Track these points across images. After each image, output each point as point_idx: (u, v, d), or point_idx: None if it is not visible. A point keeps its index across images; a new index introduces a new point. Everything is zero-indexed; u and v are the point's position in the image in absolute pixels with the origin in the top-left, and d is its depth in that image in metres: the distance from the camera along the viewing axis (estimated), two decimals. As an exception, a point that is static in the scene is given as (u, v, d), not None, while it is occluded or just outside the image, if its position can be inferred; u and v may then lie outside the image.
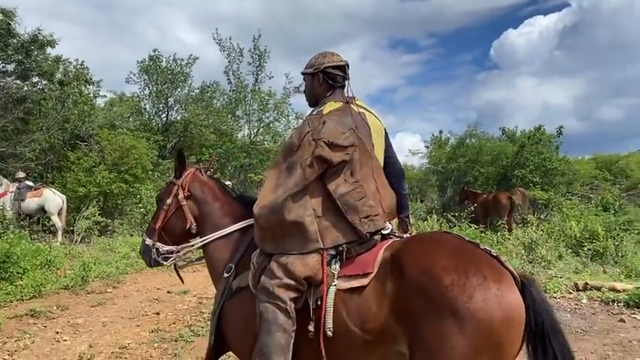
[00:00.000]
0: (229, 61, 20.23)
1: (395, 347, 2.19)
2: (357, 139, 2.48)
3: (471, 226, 10.84)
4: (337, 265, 2.35)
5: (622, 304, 6.40)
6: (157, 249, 2.94)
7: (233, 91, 20.55)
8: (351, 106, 2.63)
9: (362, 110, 2.65)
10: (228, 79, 20.51)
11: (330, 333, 2.23)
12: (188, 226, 2.90)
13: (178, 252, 2.96)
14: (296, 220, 2.34)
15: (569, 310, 6.26)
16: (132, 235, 13.07)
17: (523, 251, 9.86)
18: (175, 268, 3.14)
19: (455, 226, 11.42)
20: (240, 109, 20.59)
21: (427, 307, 2.01)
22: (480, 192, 14.54)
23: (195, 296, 7.99)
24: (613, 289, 6.96)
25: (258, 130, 20.69)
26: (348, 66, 2.72)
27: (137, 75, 20.57)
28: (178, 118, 21.31)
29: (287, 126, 21.12)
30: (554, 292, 7.06)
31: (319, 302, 2.32)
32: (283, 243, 2.39)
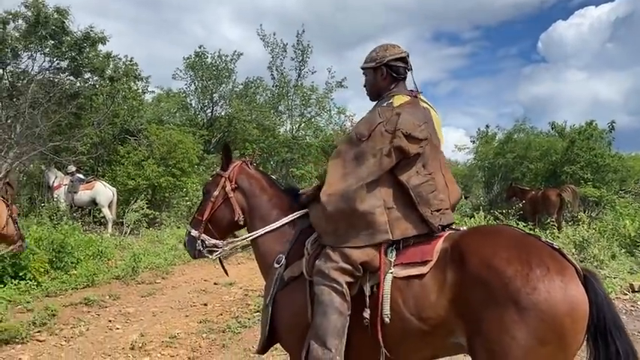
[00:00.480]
0: (273, 57, 20.39)
1: (452, 339, 2.18)
2: (429, 133, 2.49)
3: (519, 224, 10.55)
4: (394, 254, 2.34)
5: (682, 307, 6.12)
6: (203, 241, 2.93)
7: (276, 86, 20.69)
8: (419, 100, 2.61)
9: (425, 105, 2.62)
10: (272, 74, 20.68)
11: (387, 320, 2.23)
12: (236, 218, 2.90)
13: (225, 247, 2.96)
14: (369, 210, 2.32)
15: (624, 311, 6.02)
16: (179, 227, 13.38)
17: (574, 250, 9.54)
18: (220, 261, 3.14)
19: (502, 223, 11.15)
20: (283, 104, 20.72)
21: (489, 298, 1.99)
22: (528, 189, 14.13)
23: (241, 288, 8.10)
24: (672, 292, 6.66)
25: (300, 125, 20.76)
26: (408, 56, 2.68)
27: (183, 71, 21.02)
28: (223, 113, 21.65)
29: (329, 121, 21.15)
30: (609, 293, 6.79)
31: (375, 289, 2.33)
32: (347, 235, 2.36)
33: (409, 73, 2.70)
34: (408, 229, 2.35)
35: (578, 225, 11.43)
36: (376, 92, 2.72)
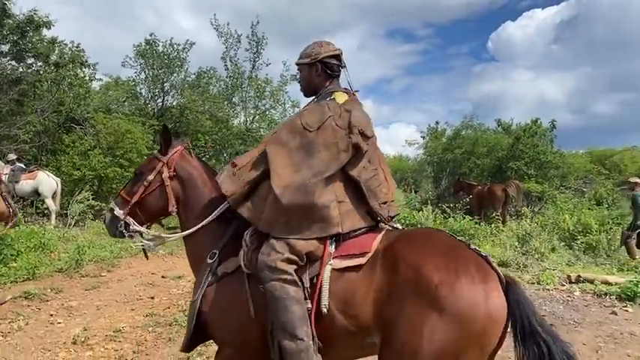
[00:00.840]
0: (226, 47, 20.04)
1: (369, 338, 2.25)
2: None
3: (465, 218, 10.88)
4: (334, 246, 2.39)
5: (614, 296, 6.46)
6: (127, 224, 2.77)
7: (230, 77, 20.38)
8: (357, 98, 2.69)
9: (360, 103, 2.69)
10: (225, 65, 20.34)
11: (325, 310, 2.27)
12: (170, 209, 2.78)
13: (150, 238, 2.84)
14: (325, 204, 2.36)
15: (562, 302, 6.31)
16: (126, 220, 13.05)
17: (517, 243, 9.93)
18: (144, 251, 2.98)
19: (449, 217, 11.46)
20: (237, 95, 20.44)
21: (414, 303, 2.05)
22: (475, 183, 14.58)
23: (189, 281, 7.98)
24: (605, 282, 7.03)
25: (254, 117, 20.56)
26: (342, 54, 2.74)
27: (133, 59, 20.35)
28: (174, 103, 21.17)
29: (283, 114, 21.03)
30: (547, 284, 7.11)
31: (314, 280, 2.36)
32: (300, 227, 2.37)
33: (343, 70, 2.76)
34: (356, 222, 2.43)
35: (522, 219, 11.88)
36: (311, 88, 2.76)
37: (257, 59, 20.23)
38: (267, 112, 20.71)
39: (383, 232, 2.43)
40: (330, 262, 2.34)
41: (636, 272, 7.98)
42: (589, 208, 13.23)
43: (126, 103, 20.53)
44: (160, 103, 21.07)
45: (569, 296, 6.57)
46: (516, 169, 16.19)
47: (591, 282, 7.13)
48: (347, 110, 2.46)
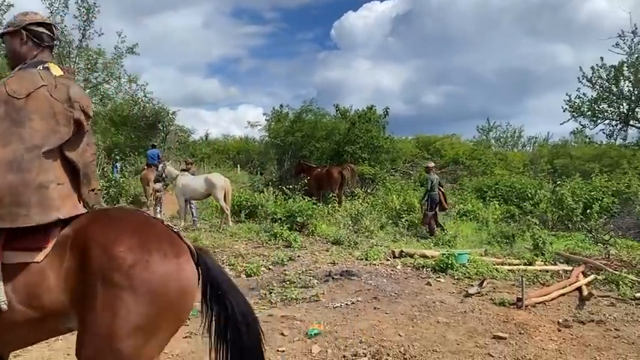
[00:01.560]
0: (52, 12, 17.93)
1: (66, 324, 2.16)
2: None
3: (304, 198, 11.24)
4: (2, 236, 2.09)
5: (430, 269, 7.18)
6: None
7: (56, 46, 18.46)
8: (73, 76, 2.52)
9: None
10: (51, 32, 18.36)
11: (4, 307, 2.01)
12: None
13: None
14: (44, 183, 2.13)
15: (385, 275, 6.84)
16: None
17: (350, 222, 10.54)
18: None
19: (290, 198, 11.75)
20: (64, 66, 18.60)
21: (106, 285, 2.00)
22: (314, 166, 15.08)
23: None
24: (423, 256, 7.78)
25: (85, 91, 18.91)
26: (54, 27, 2.55)
27: None
28: (-13, 71, 18.57)
29: (118, 89, 19.64)
30: (374, 260, 7.66)
31: None
32: (11, 213, 2.06)
33: (56, 45, 2.64)
34: (72, 209, 2.23)
35: (355, 200, 12.64)
36: (18, 59, 2.45)
37: (88, 28, 18.50)
38: (99, 87, 19.17)
39: (74, 221, 2.22)
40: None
41: (449, 246, 8.95)
42: (414, 189, 14.53)
43: None
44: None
45: (392, 270, 7.14)
46: (352, 152, 17.10)
47: (411, 256, 7.83)
48: (64, 83, 2.27)
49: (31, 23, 2.43)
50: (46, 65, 2.34)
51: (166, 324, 2.13)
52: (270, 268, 7.27)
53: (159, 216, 10.74)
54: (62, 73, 2.35)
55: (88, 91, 18.70)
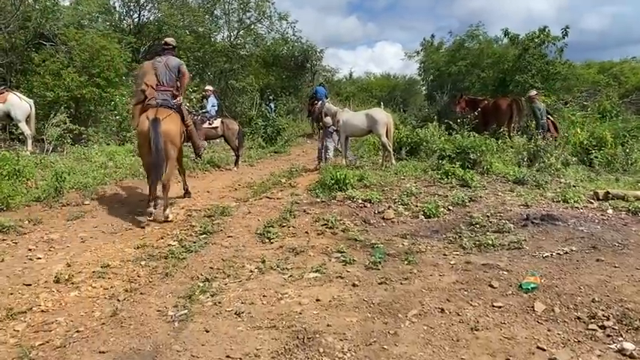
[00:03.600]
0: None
1: None
2: None
3: (472, 134, 10.18)
4: None
5: (650, 213, 5.92)
6: None
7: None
8: None
9: None
10: (205, -27, 18.69)
11: None
12: None
13: None
14: None
15: (597, 221, 5.74)
16: (108, 144, 12.17)
17: (526, 159, 9.35)
18: None
19: (456, 133, 10.67)
20: (219, 8, 18.90)
21: None
22: (480, 98, 13.70)
23: (182, 208, 7.32)
24: (638, 198, 6.47)
25: (239, 32, 19.15)
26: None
27: (103, -32, 18.56)
28: (152, 18, 19.59)
29: (270, 28, 19.64)
30: (575, 202, 6.53)
31: None
32: None
33: None
34: None
35: (527, 135, 11.23)
36: None
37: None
38: (252, 27, 19.30)
39: None
40: None
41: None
42: (600, 121, 12.60)
43: (99, 19, 18.90)
44: (137, 19, 19.50)
45: (602, 215, 6.00)
46: (522, 81, 15.17)
47: (622, 198, 6.56)
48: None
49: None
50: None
51: None
52: (450, 209, 6.55)
53: (335, 147, 10.58)
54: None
55: (242, 32, 18.93)
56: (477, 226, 5.70)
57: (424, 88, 19.55)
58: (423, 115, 17.34)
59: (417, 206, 6.78)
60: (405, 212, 6.58)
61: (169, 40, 7.31)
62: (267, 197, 7.63)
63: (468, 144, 9.15)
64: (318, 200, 7.24)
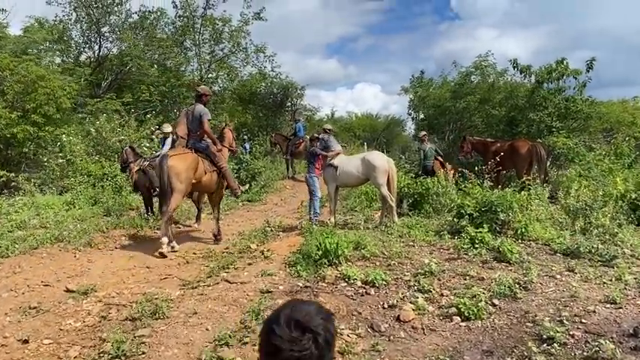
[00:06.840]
0: (174, -20, 16.41)
1: None
2: None
3: (497, 186, 8.11)
4: None
5: None
6: None
7: (179, 17, 16.77)
8: None
9: None
10: (174, 2, 16.73)
11: None
12: None
13: None
14: None
15: None
16: (44, 193, 9.85)
17: (567, 218, 7.32)
18: None
19: (475, 183, 8.43)
20: (189, 38, 16.88)
21: None
22: (491, 140, 11.66)
23: (100, 301, 4.98)
24: None
25: (210, 64, 17.08)
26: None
27: (60, -5, 16.50)
28: (114, 50, 17.53)
29: (245, 61, 17.64)
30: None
31: None
32: None
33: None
34: None
35: (547, 183, 9.24)
36: None
37: (211, -5, 16.66)
38: (225, 59, 17.29)
39: None
40: None
41: None
42: (629, 167, 10.65)
43: (56, 50, 16.78)
44: (97, 51, 17.40)
45: None
46: (538, 120, 13.06)
47: None
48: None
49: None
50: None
51: None
52: (495, 304, 4.40)
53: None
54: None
55: (214, 65, 16.98)
56: (554, 343, 3.54)
57: (413, 127, 17.66)
58: (415, 158, 15.28)
59: (443, 295, 4.65)
60: (429, 308, 4.43)
61: (199, 88, 8.02)
62: (227, 281, 5.33)
63: (495, 199, 7.04)
64: (300, 285, 5.07)
